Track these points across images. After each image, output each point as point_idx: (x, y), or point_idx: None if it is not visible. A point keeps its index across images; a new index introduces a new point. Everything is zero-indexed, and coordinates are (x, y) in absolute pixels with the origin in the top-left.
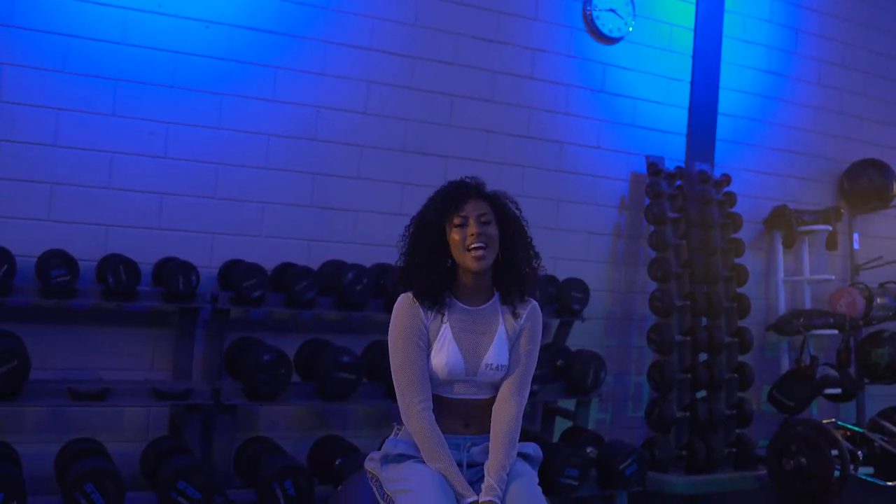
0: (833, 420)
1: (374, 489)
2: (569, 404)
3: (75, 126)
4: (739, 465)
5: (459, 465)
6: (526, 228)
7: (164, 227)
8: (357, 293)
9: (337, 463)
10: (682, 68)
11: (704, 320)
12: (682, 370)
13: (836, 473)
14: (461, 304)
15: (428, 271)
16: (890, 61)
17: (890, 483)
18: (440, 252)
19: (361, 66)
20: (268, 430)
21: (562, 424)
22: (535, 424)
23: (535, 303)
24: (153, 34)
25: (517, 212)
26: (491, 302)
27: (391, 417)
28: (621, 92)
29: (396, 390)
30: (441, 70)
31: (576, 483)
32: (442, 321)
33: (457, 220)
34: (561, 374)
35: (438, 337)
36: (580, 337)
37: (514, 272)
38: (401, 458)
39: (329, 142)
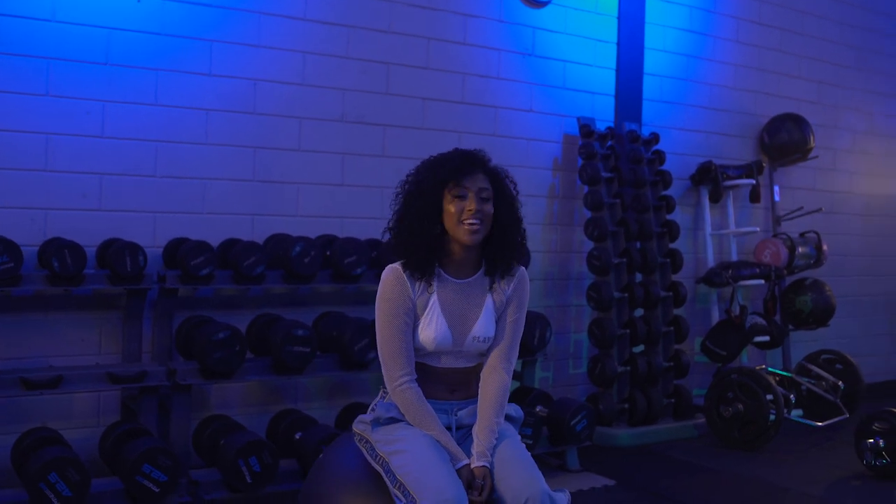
0: (763, 366)
1: (364, 451)
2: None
3: (7, 107)
4: (678, 415)
5: (448, 428)
6: (519, 208)
7: (104, 208)
8: (305, 266)
9: (297, 437)
10: (609, 30)
11: (639, 276)
12: (620, 326)
13: (772, 417)
14: (449, 277)
15: (419, 238)
16: (803, 17)
17: (820, 423)
18: (433, 219)
19: (297, 37)
20: (219, 408)
21: None
22: None
23: (522, 269)
24: (84, 10)
25: (514, 191)
26: (478, 274)
27: (344, 388)
28: (551, 55)
29: (381, 362)
30: (376, 38)
31: (530, 441)
32: (430, 294)
33: (457, 191)
34: None
35: (427, 310)
36: None
37: (503, 248)
38: (392, 420)
39: (268, 115)
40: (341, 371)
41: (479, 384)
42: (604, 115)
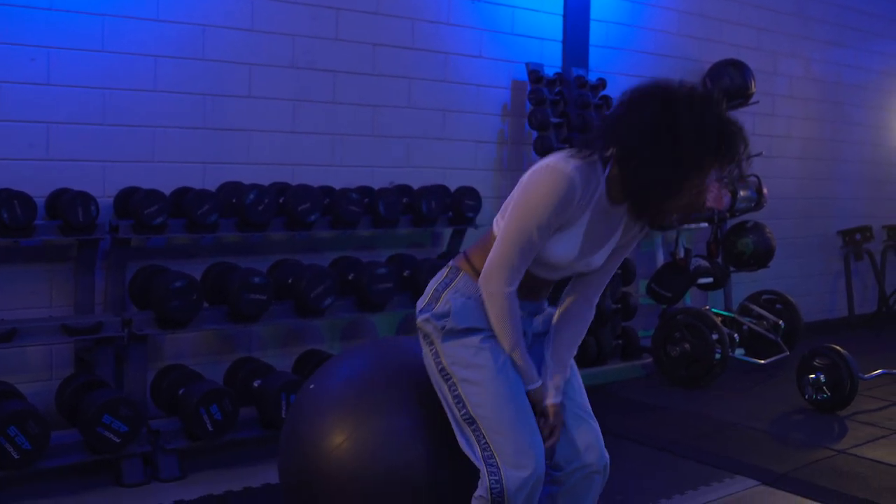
0: (707, 307)
1: (426, 350)
2: None
3: None
4: (626, 356)
5: (524, 333)
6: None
7: (52, 157)
8: (259, 213)
9: (256, 384)
10: None
11: None
12: None
13: (718, 356)
14: (606, 198)
15: (643, 180)
16: None
17: (763, 361)
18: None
19: None
20: (173, 358)
21: None
22: None
23: None
24: None
25: None
26: (626, 205)
27: (299, 336)
28: (500, 1)
29: (497, 255)
30: None
31: None
32: (583, 212)
33: (700, 182)
34: None
35: (573, 226)
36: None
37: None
38: (467, 332)
39: (217, 61)
40: (297, 318)
41: (566, 311)
42: (552, 60)
